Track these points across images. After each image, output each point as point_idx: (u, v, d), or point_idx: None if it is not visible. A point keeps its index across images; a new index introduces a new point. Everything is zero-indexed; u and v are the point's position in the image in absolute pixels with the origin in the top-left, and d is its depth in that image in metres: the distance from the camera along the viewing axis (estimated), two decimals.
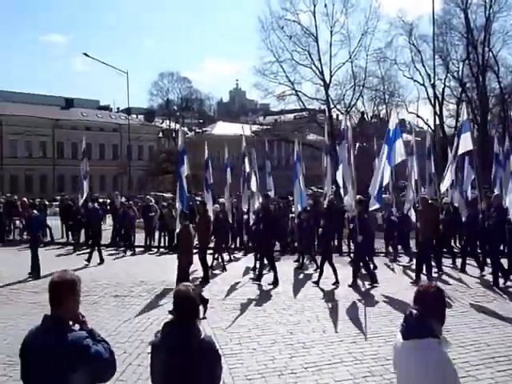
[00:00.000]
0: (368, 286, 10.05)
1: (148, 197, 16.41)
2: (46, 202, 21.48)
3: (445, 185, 12.82)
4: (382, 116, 41.34)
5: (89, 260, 13.34)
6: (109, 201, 21.84)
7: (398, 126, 10.52)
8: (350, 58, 36.34)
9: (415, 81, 39.30)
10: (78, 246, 16.18)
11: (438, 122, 37.15)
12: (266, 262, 10.99)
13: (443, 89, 38.65)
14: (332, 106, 37.24)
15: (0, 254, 15.61)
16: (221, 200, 15.16)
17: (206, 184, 14.87)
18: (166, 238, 16.23)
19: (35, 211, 12.93)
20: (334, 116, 39.27)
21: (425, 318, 2.44)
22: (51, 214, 21.09)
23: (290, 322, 7.73)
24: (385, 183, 10.58)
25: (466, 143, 10.41)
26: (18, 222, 18.81)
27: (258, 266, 11.25)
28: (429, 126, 35.21)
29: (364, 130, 35.43)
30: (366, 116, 42.12)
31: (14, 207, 18.57)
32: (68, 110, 56.84)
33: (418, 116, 41.26)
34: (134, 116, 60.06)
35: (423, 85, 38.49)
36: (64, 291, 2.58)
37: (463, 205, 12.27)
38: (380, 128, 38.40)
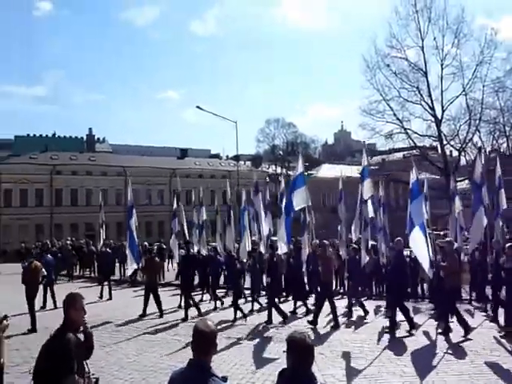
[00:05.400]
0: (461, 339, 9.16)
1: (254, 239, 16.94)
2: (164, 246, 23.21)
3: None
4: (502, 150, 38.17)
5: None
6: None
7: (302, 173, 11.63)
8: (464, 90, 34.46)
9: None
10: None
11: None
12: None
13: None
14: (445, 142, 35.44)
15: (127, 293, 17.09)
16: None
17: (173, 231, 16.33)
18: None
19: (49, 255, 14.98)
20: (448, 153, 37.21)
21: None
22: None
23: (405, 373, 7.31)
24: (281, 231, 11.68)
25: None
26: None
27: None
28: None
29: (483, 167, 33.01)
30: (484, 151, 39.24)
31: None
32: (183, 160, 61.49)
33: None
34: (242, 162, 62.87)
35: None
36: (211, 341, 2.86)
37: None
38: (501, 163, 35.54)
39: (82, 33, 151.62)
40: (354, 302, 12.06)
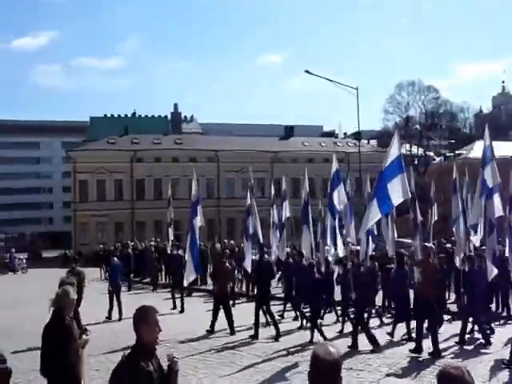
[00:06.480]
0: None
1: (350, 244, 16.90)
2: (266, 249, 23.70)
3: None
4: None
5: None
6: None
7: (400, 157, 10.95)
8: None
9: None
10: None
11: None
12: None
13: None
14: None
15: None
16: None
17: (246, 233, 16.27)
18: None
19: (115, 258, 17.19)
20: None
21: None
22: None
23: None
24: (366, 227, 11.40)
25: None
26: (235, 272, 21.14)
27: None
28: None
29: None
30: None
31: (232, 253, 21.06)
32: (287, 140, 62.07)
33: None
34: (365, 141, 61.88)
35: None
36: (334, 372, 2.88)
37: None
38: None
39: None
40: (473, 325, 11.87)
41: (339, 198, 12.79)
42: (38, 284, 23.10)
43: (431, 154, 63.43)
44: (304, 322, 13.70)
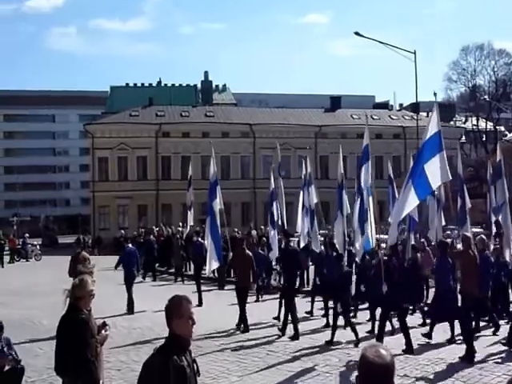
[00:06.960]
0: None
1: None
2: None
3: None
4: None
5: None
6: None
7: (439, 133, 10.73)
8: None
9: None
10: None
11: None
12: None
13: None
14: None
15: None
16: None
17: (271, 219, 16.89)
18: None
19: (130, 245, 17.51)
20: None
21: None
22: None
23: None
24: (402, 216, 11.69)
25: None
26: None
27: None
28: None
29: None
30: None
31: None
32: (334, 113, 61.51)
33: None
34: (424, 114, 60.71)
35: None
36: (386, 377, 2.88)
37: None
38: None
39: None
40: None
41: (364, 176, 12.69)
42: (53, 273, 23.52)
43: (502, 128, 61.98)
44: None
